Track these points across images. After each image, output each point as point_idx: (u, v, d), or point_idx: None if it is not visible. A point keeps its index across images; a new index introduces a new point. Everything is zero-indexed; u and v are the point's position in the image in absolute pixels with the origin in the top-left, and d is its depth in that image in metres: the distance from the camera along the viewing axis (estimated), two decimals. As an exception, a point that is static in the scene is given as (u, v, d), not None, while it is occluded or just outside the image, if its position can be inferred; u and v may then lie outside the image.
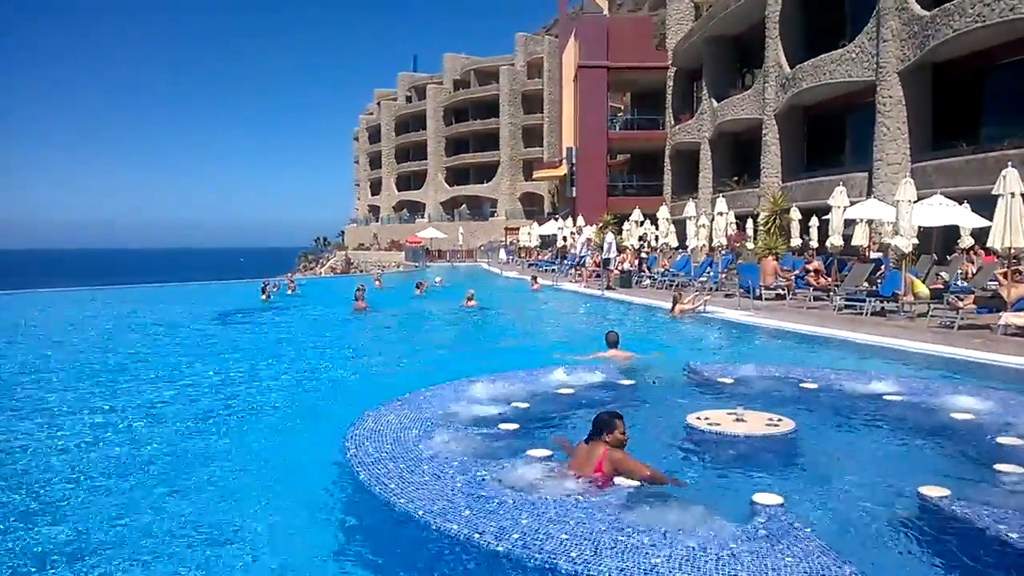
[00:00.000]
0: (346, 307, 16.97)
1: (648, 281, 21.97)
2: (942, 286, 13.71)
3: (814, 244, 20.46)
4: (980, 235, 15.68)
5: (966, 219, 15.95)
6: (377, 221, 74.43)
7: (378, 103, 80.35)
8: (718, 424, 5.63)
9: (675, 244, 25.00)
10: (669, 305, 14.78)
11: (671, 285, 20.45)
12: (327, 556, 4.03)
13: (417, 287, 20.84)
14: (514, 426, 5.80)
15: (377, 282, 24.68)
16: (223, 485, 5.11)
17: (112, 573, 3.77)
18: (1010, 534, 3.68)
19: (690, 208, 22.00)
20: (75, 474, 5.32)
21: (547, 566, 3.42)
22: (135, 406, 7.50)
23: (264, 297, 19.64)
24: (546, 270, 29.04)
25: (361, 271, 46.52)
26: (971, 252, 17.07)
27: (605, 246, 22.65)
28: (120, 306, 19.47)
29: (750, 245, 23.57)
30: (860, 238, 17.66)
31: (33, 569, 3.80)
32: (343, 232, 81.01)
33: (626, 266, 22.42)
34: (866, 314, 13.39)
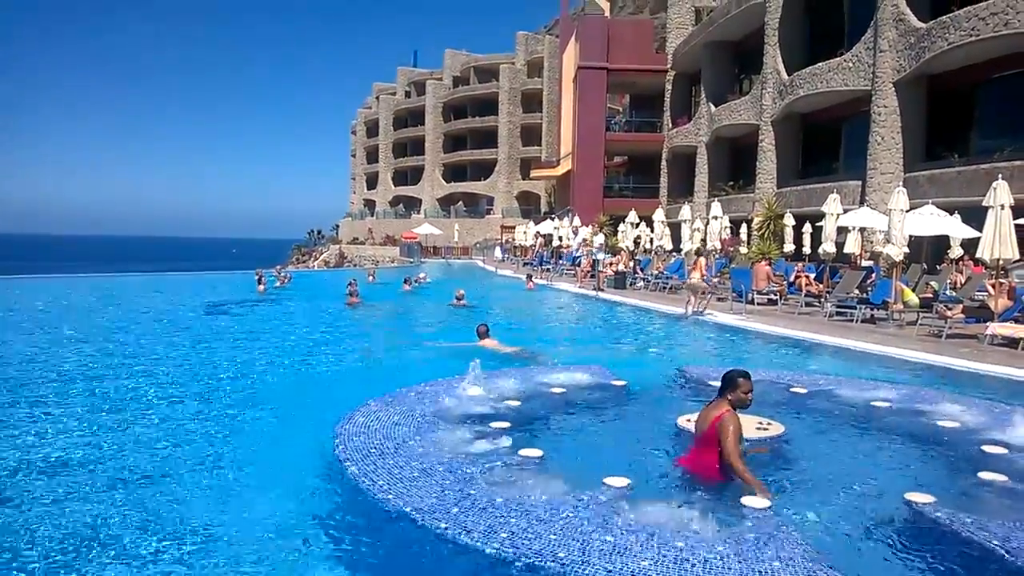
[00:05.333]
0: (338, 300, 16.95)
1: (641, 283, 22.06)
2: (931, 295, 13.83)
3: (806, 251, 20.60)
4: (970, 246, 15.82)
5: (956, 230, 16.08)
6: (373, 215, 74.20)
7: (377, 97, 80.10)
8: (708, 427, 5.67)
9: (669, 247, 25.12)
10: (669, 307, 14.76)
11: (664, 287, 20.53)
12: (314, 551, 4.02)
13: (405, 283, 20.94)
14: (505, 424, 5.83)
15: (370, 276, 24.66)
16: (210, 477, 5.09)
17: (95, 569, 3.73)
18: (993, 540, 3.74)
19: (685, 211, 22.09)
20: (57, 464, 5.29)
21: (535, 566, 3.45)
22: (125, 398, 7.48)
23: (261, 288, 19.60)
24: (535, 267, 29.37)
25: (355, 265, 46.44)
26: (960, 262, 17.23)
27: (595, 247, 22.78)
28: (108, 295, 19.37)
29: (743, 250, 23.68)
30: (852, 246, 17.78)
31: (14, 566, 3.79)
32: (337, 226, 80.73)
33: (620, 267, 22.49)
34: (856, 321, 13.49)
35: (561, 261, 29.82)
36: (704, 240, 19.74)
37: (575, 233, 30.73)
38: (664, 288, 20.52)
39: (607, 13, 44.50)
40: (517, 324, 15.70)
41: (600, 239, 23.45)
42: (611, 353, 11.69)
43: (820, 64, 23.92)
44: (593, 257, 22.98)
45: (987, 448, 5.48)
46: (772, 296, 16.97)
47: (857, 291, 14.59)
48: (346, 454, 4.99)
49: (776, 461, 5.40)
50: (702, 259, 14.95)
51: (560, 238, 32.46)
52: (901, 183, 19.06)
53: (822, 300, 15.26)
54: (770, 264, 18.43)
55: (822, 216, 16.35)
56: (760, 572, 3.34)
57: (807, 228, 20.79)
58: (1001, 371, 8.93)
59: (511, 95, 64.22)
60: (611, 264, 22.77)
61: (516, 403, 6.57)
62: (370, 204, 78.24)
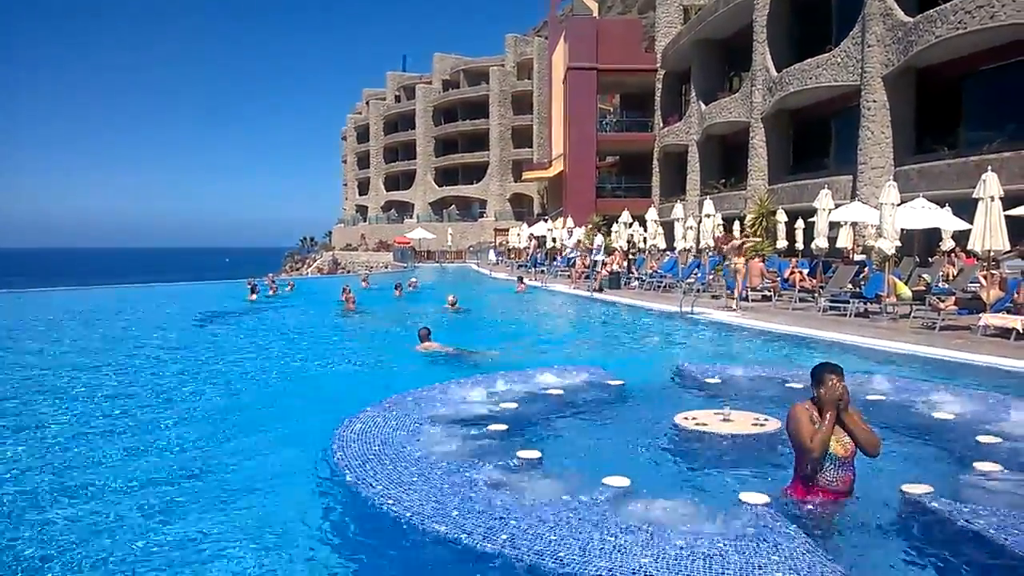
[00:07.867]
0: (333, 307, 16.92)
1: (636, 282, 22.09)
2: (924, 288, 13.88)
3: (799, 246, 20.67)
4: (961, 238, 15.90)
5: (947, 222, 16.15)
6: (365, 221, 74.13)
7: (367, 102, 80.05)
8: (705, 424, 5.70)
9: (663, 246, 25.18)
10: (664, 306, 14.89)
11: (659, 286, 20.58)
12: (314, 558, 4.01)
13: (397, 289, 20.96)
14: (503, 427, 5.83)
15: (364, 282, 24.65)
16: (208, 486, 5.08)
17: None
18: (989, 530, 3.76)
19: (678, 210, 22.15)
20: (55, 474, 5.28)
21: (535, 566, 3.45)
22: (121, 408, 7.46)
23: (252, 297, 19.56)
24: (528, 269, 29.38)
25: (348, 271, 46.38)
26: (952, 254, 17.31)
27: (594, 248, 22.80)
28: (104, 306, 19.29)
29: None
30: (844, 240, 17.86)
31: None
32: (330, 232, 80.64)
33: (615, 267, 22.52)
34: (850, 315, 13.55)
35: (556, 262, 29.85)
36: (742, 229, 19.24)
37: (570, 235, 30.77)
38: (658, 287, 20.57)
39: (595, 14, 44.59)
40: (508, 326, 15.72)
41: (600, 240, 23.48)
42: (607, 353, 11.71)
43: (809, 60, 24.03)
44: (592, 258, 23.03)
45: (982, 438, 5.51)
46: (766, 292, 17.03)
47: (850, 285, 14.65)
48: (344, 460, 4.98)
49: (775, 456, 5.42)
50: (735, 241, 15.08)
51: (554, 240, 32.48)
52: (892, 177, 19.14)
53: (815, 295, 15.32)
54: (763, 261, 18.49)
55: (814, 211, 16.40)
56: (760, 567, 3.35)
57: (799, 224, 20.87)
58: (994, 361, 8.99)
59: (501, 97, 64.26)
60: (606, 264, 22.79)
61: (513, 405, 6.56)
62: (362, 210, 78.13)
